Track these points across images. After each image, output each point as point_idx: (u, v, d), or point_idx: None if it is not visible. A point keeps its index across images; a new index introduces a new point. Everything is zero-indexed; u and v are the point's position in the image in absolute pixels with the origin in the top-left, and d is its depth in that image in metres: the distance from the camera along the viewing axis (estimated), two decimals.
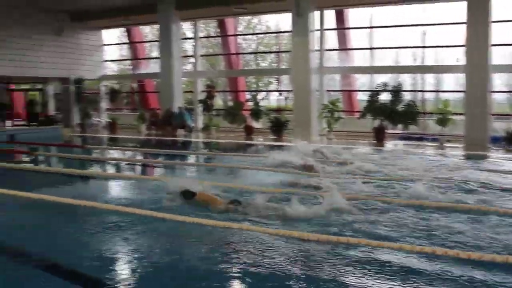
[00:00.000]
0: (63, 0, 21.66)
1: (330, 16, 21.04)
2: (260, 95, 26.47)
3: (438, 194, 7.51)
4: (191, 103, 23.58)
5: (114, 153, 15.24)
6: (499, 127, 16.55)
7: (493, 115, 17.10)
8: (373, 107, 17.71)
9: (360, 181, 8.53)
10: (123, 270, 4.78)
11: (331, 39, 21.68)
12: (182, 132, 20.98)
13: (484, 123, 16.11)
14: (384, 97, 17.90)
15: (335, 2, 19.71)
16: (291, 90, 20.22)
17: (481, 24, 15.95)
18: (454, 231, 5.67)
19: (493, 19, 16.15)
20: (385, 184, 8.50)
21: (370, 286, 4.20)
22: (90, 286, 4.51)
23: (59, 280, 4.57)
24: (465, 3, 16.32)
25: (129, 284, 4.37)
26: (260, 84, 32.93)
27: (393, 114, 17.24)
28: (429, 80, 21.01)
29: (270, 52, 31.54)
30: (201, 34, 25.73)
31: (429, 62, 20.11)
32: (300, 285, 4.28)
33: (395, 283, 4.24)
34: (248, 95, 23.17)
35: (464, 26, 16.51)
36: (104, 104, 25.63)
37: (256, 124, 20.69)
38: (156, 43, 25.82)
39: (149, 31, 31.27)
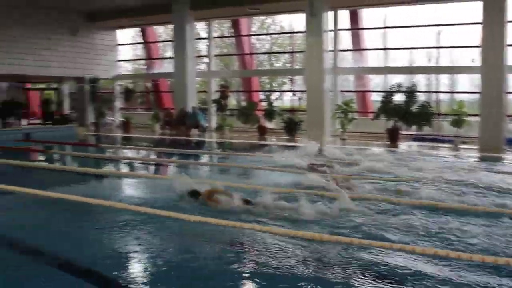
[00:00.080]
0: (79, 1, 21.84)
1: (344, 16, 20.99)
2: (274, 95, 26.44)
3: (451, 196, 7.45)
4: (205, 103, 23.66)
5: (128, 152, 15.33)
6: None
7: (508, 116, 16.91)
8: (387, 108, 17.61)
9: (366, 181, 8.49)
10: (132, 268, 4.80)
11: (345, 39, 21.64)
12: (195, 132, 21.05)
13: (499, 124, 15.95)
14: (398, 98, 17.81)
15: (349, 2, 19.65)
16: (305, 91, 20.18)
17: (497, 24, 15.79)
18: (467, 234, 5.61)
19: (509, 19, 15.98)
20: (393, 185, 8.44)
21: None
22: (100, 283, 4.53)
23: (71, 278, 4.61)
24: (480, 3, 16.17)
25: (137, 283, 4.39)
26: (273, 84, 32.92)
27: (407, 115, 17.13)
28: (444, 80, 20.84)
29: (284, 52, 31.51)
30: (215, 34, 25.80)
31: (444, 62, 19.94)
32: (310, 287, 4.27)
33: (406, 287, 4.21)
34: (261, 95, 23.17)
35: (480, 26, 16.36)
36: (119, 104, 25.78)
37: (269, 125, 20.69)
38: (170, 43, 25.90)
39: (163, 31, 31.40)
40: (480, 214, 6.53)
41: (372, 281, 4.30)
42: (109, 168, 12.20)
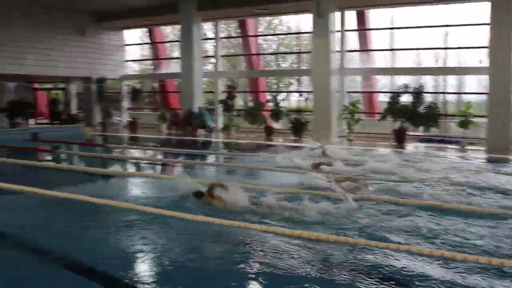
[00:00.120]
0: (87, 1, 21.93)
1: (351, 17, 20.96)
2: (281, 96, 26.44)
3: (457, 197, 7.43)
4: (211, 103, 23.69)
5: (135, 152, 15.38)
6: None
7: None
8: (394, 109, 17.56)
9: (371, 182, 8.48)
10: (138, 268, 4.82)
11: (352, 40, 21.59)
12: (202, 132, 21.08)
13: (507, 125, 15.85)
14: (405, 98, 17.76)
15: (356, 2, 19.62)
16: (312, 91, 20.17)
17: (505, 25, 15.71)
18: (473, 236, 5.59)
19: None
20: (398, 186, 8.41)
21: None
22: (105, 283, 4.56)
23: (78, 277, 4.63)
24: (488, 4, 16.11)
25: (142, 282, 4.40)
26: (280, 85, 32.89)
27: (414, 116, 17.07)
28: (451, 81, 20.77)
29: (291, 53, 31.50)
30: (222, 35, 25.81)
31: (451, 63, 19.87)
32: None
33: None
34: (268, 96, 23.18)
35: (488, 27, 16.29)
36: (125, 104, 25.87)
37: (276, 125, 20.69)
38: (177, 43, 25.97)
39: (170, 32, 31.46)
40: (486, 215, 6.51)
41: (377, 283, 4.29)
42: (115, 168, 12.24)
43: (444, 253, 4.93)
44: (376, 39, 21.68)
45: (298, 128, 19.18)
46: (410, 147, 16.46)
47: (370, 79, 22.28)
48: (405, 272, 4.51)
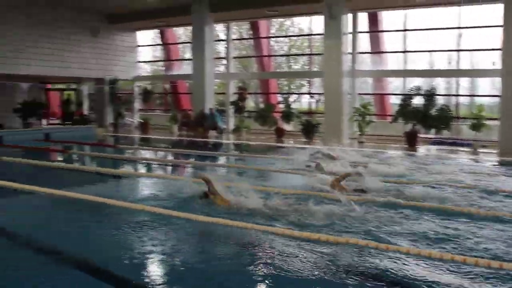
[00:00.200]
0: (100, 2, 22.08)
1: (363, 18, 20.90)
2: (292, 98, 26.45)
3: (467, 200, 7.38)
4: (223, 104, 23.73)
5: (146, 153, 15.44)
6: None
7: None
8: (406, 111, 17.48)
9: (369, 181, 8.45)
10: (146, 268, 4.84)
11: (364, 41, 21.51)
12: (213, 133, 21.12)
13: None
14: (417, 101, 17.66)
15: (369, 4, 19.57)
16: (323, 93, 20.13)
17: None
18: (484, 240, 5.55)
19: None
20: (403, 188, 8.37)
21: None
22: (115, 283, 4.57)
23: (87, 276, 4.66)
24: (501, 6, 15.99)
25: (151, 283, 4.43)
26: (291, 87, 32.87)
27: (426, 119, 16.98)
28: (464, 84, 20.63)
29: (302, 55, 31.46)
30: (234, 36, 25.85)
31: (464, 65, 19.73)
32: None
33: None
34: (279, 97, 23.21)
35: (501, 29, 16.17)
36: (137, 105, 26.01)
37: (287, 127, 20.68)
38: (189, 44, 26.04)
39: (182, 33, 31.56)
40: (497, 219, 6.45)
41: (385, 286, 4.28)
42: (127, 169, 12.30)
43: (455, 257, 4.89)
44: (389, 41, 21.60)
45: (309, 130, 19.16)
46: (421, 149, 16.36)
47: (382, 81, 22.21)
48: (414, 276, 4.47)
